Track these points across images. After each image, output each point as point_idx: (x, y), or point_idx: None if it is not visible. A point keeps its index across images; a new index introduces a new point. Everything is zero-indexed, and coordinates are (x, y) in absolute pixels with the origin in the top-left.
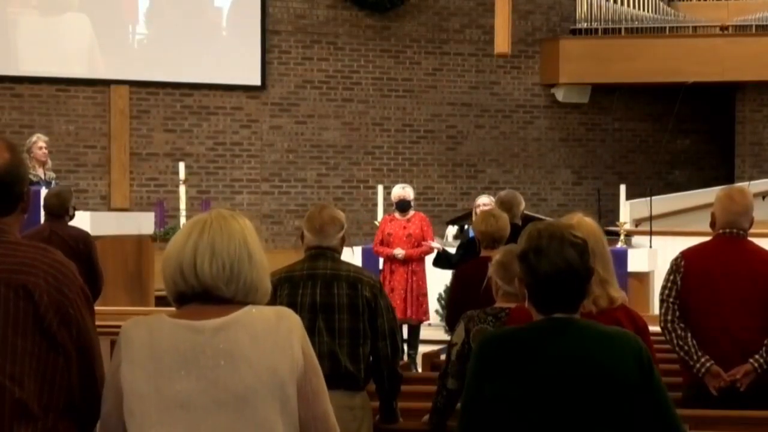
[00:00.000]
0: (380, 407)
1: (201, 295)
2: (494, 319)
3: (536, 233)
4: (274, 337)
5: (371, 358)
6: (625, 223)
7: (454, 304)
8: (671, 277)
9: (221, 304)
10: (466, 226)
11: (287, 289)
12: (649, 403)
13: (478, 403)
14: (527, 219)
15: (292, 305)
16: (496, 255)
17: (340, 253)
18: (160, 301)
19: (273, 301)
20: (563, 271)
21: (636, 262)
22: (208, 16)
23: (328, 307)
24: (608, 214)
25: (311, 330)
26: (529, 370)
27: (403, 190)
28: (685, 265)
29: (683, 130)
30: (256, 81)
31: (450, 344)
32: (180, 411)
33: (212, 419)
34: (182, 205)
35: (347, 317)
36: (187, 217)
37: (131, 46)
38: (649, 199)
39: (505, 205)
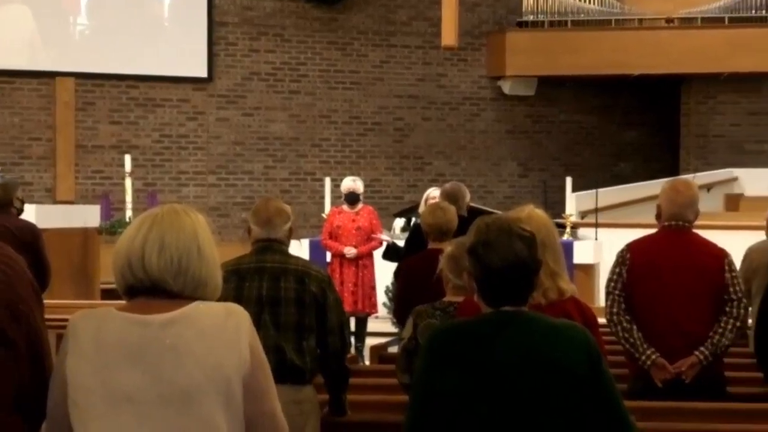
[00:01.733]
0: (329, 401)
1: (149, 288)
2: (442, 314)
3: (484, 227)
4: (222, 334)
5: (319, 353)
6: (571, 215)
7: (401, 296)
8: (617, 270)
9: (170, 298)
10: (413, 219)
11: (234, 282)
12: (597, 395)
13: (427, 397)
14: (473, 211)
15: (238, 298)
16: (446, 248)
17: (287, 245)
18: (106, 294)
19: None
20: (511, 264)
21: (582, 254)
22: (153, 8)
23: (274, 301)
24: (554, 206)
25: (257, 323)
26: (477, 363)
27: (353, 183)
28: (630, 258)
29: (629, 122)
30: (203, 73)
31: (400, 339)
32: (125, 405)
33: (157, 414)
34: (128, 198)
35: (294, 311)
36: (133, 209)
37: (75, 38)
38: (595, 191)
39: (451, 197)
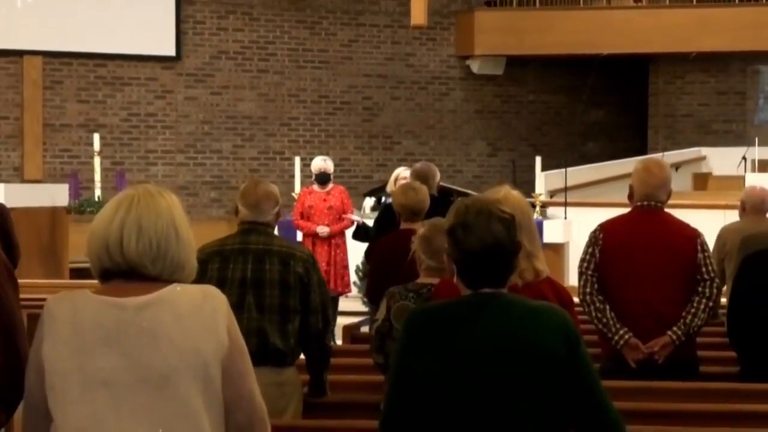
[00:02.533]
0: (310, 381)
1: (126, 272)
2: (416, 296)
3: (464, 208)
4: (199, 317)
5: (301, 333)
6: (540, 194)
7: (373, 276)
8: (590, 250)
9: (146, 281)
10: (383, 198)
11: (218, 263)
12: (575, 378)
13: (405, 379)
14: (443, 191)
15: (222, 279)
16: (419, 228)
17: (273, 228)
18: (75, 274)
19: (203, 275)
20: (491, 247)
21: (551, 233)
22: None
23: (258, 283)
24: (523, 186)
25: (240, 305)
26: (456, 345)
27: (324, 163)
28: (603, 238)
29: (597, 102)
30: (171, 51)
31: (374, 320)
32: (102, 388)
33: (134, 397)
34: (97, 177)
35: (278, 293)
36: (102, 188)
37: (43, 17)
38: (563, 170)
39: (421, 177)
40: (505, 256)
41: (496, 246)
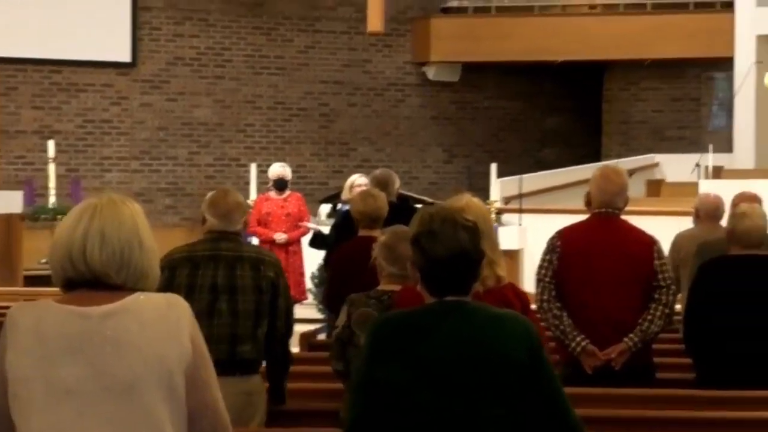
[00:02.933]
0: (270, 388)
1: (90, 281)
2: (377, 303)
3: (428, 217)
4: (163, 325)
5: (266, 338)
6: (495, 201)
7: (333, 283)
8: (547, 257)
9: (110, 290)
10: (338, 205)
11: (187, 269)
12: (538, 385)
13: (370, 388)
14: (402, 198)
15: (191, 285)
16: (380, 236)
17: (241, 237)
18: (29, 281)
19: (172, 281)
20: (455, 255)
21: (507, 239)
22: None
23: (231, 289)
24: (479, 193)
25: (210, 312)
26: (421, 353)
27: (282, 169)
28: (561, 245)
29: (552, 108)
30: (126, 58)
31: (334, 327)
32: (66, 397)
33: (98, 406)
34: (51, 184)
35: (252, 298)
36: (57, 195)
37: None
38: (519, 177)
39: (381, 183)
40: (470, 264)
41: (461, 254)
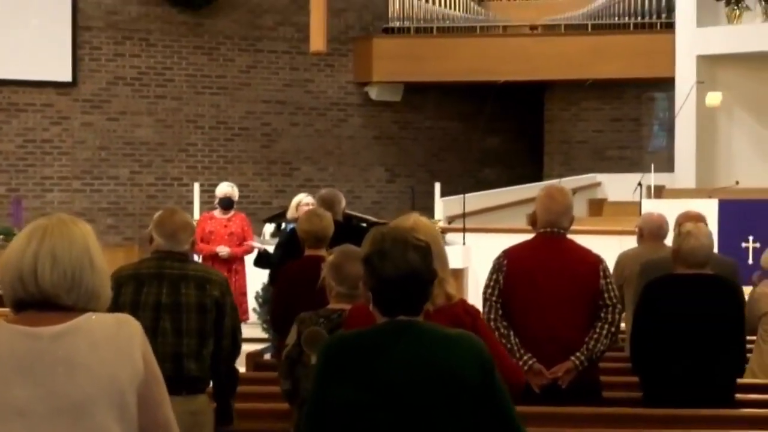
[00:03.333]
0: (216, 408)
1: (40, 302)
2: (326, 321)
3: (380, 236)
4: (115, 344)
5: (212, 357)
6: (439, 220)
7: (279, 302)
8: (494, 276)
9: (61, 311)
10: (283, 225)
11: (132, 287)
12: (490, 405)
13: (322, 408)
14: (347, 217)
15: (135, 303)
16: (324, 255)
17: (188, 257)
18: None
19: (117, 298)
20: (406, 275)
21: (451, 258)
22: (16, 11)
23: (175, 307)
24: (423, 212)
25: (154, 330)
26: (373, 372)
27: (230, 189)
28: (507, 264)
29: (493, 128)
30: (67, 77)
31: (284, 345)
32: (17, 418)
33: (50, 427)
34: None
35: (195, 317)
36: None
37: None
38: (461, 196)
39: (327, 203)
40: (421, 284)
41: (412, 274)
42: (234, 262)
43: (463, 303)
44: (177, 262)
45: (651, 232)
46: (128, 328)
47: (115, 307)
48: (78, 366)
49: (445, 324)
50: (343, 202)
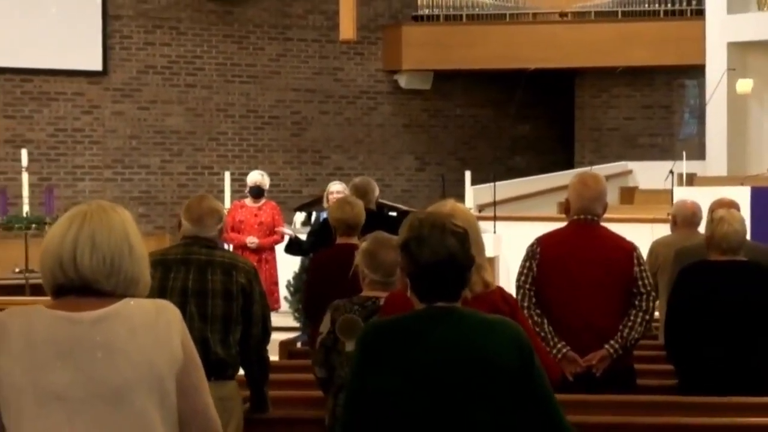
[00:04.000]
0: (251, 396)
1: (80, 288)
2: (360, 308)
3: (417, 222)
4: (153, 331)
5: (242, 345)
6: (470, 208)
7: (312, 290)
8: (527, 264)
9: (100, 296)
10: (314, 213)
11: (160, 272)
12: (529, 390)
13: (362, 395)
14: (380, 206)
15: (163, 289)
16: (356, 242)
17: (216, 243)
18: (2, 290)
19: None
20: (444, 260)
21: None
22: (46, 0)
23: (201, 293)
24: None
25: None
26: (411, 359)
27: (261, 177)
28: (540, 252)
29: (524, 115)
30: (98, 66)
31: (318, 333)
32: (56, 403)
33: (89, 412)
34: (25, 193)
35: (221, 303)
36: (30, 204)
37: None
38: (492, 184)
39: (360, 191)
40: (459, 269)
41: (449, 260)
42: (264, 251)
43: (501, 291)
44: (204, 248)
45: (684, 219)
46: (167, 314)
47: None
48: (117, 351)
49: (483, 311)
50: (377, 191)
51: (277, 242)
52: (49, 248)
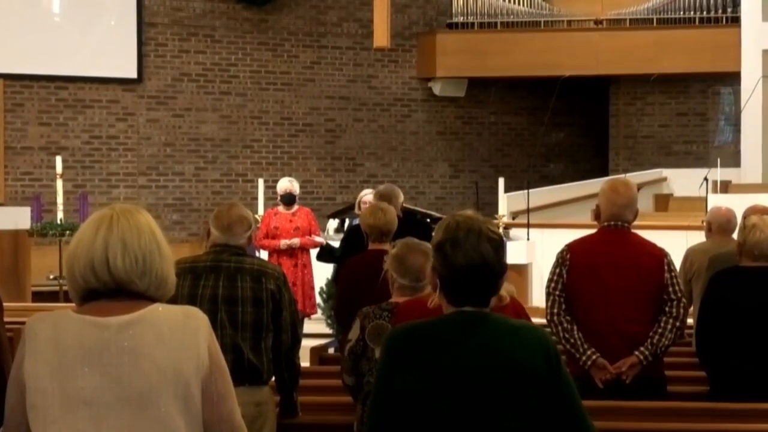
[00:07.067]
0: (281, 401)
1: (113, 290)
2: (390, 315)
3: (454, 224)
4: (181, 336)
5: (272, 351)
6: (503, 215)
7: (343, 297)
8: (557, 270)
9: (129, 300)
10: (347, 220)
11: (190, 280)
12: (557, 396)
13: (388, 398)
14: (406, 212)
15: (193, 296)
16: (390, 248)
17: (245, 251)
18: (37, 297)
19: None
20: (478, 265)
21: (515, 254)
22: (84, 8)
23: (231, 300)
24: (486, 207)
25: (212, 323)
26: (439, 363)
27: (290, 184)
28: (570, 258)
29: (558, 123)
30: (132, 74)
31: (346, 340)
32: (83, 408)
33: (115, 417)
34: (59, 199)
35: (251, 310)
36: (64, 211)
37: (2, 38)
38: (525, 191)
39: (384, 198)
40: (491, 276)
41: (483, 265)
42: (301, 255)
43: (514, 304)
44: (234, 256)
45: (719, 226)
46: (195, 321)
47: (172, 299)
48: (143, 357)
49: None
50: (401, 198)
51: (316, 245)
52: (78, 253)
